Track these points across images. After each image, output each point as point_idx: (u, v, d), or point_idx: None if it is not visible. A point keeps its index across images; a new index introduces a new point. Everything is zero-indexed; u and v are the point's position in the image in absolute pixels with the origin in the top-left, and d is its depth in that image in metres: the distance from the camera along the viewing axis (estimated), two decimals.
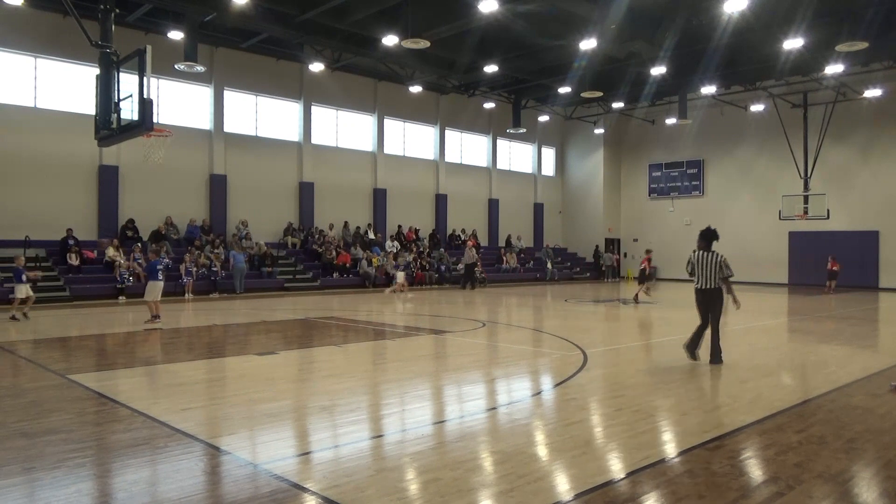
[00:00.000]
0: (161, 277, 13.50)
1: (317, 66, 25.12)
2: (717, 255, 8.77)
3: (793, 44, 20.47)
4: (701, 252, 8.81)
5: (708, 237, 8.80)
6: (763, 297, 22.85)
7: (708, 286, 8.78)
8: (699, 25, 21.03)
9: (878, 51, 22.81)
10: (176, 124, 21.91)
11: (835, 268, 25.19)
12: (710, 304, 8.81)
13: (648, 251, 20.92)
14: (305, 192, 26.71)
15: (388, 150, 29.63)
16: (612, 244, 36.07)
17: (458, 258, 28.32)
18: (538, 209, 36.34)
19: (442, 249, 29.40)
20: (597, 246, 35.23)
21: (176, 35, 20.47)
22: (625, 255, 36.08)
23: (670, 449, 5.36)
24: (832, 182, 28.36)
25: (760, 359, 9.71)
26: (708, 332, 8.94)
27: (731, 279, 8.85)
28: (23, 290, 14.10)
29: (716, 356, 8.82)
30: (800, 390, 7.94)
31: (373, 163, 29.08)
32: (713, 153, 32.80)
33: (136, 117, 10.40)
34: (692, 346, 8.99)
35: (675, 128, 32.45)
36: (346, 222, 27.65)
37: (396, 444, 5.45)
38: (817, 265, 25.60)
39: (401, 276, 23.26)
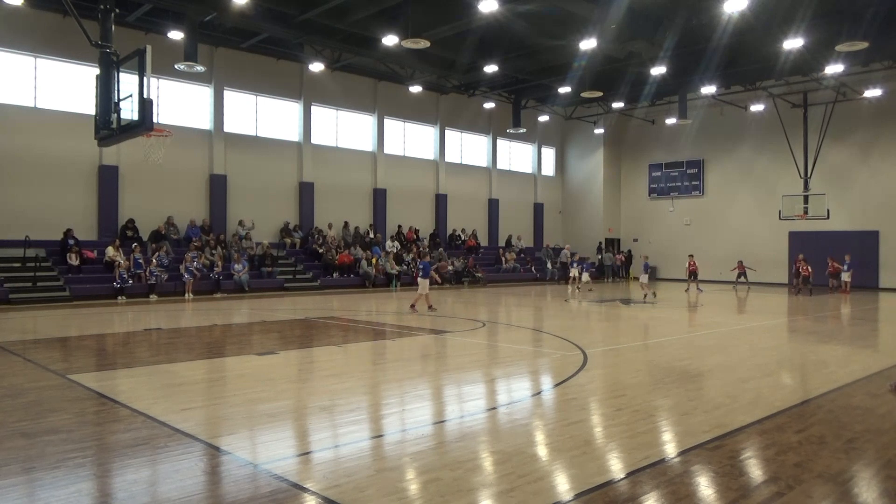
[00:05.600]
0: (428, 276, 16.32)
1: (317, 66, 25.11)
2: None
3: (793, 44, 20.46)
4: None
5: None
6: (763, 297, 22.85)
7: None
8: (699, 25, 21.02)
9: (878, 51, 22.79)
10: (176, 124, 21.91)
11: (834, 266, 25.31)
12: None
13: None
14: (305, 192, 26.71)
15: (388, 150, 29.63)
16: (613, 244, 36.04)
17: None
18: (538, 209, 36.33)
19: (441, 249, 29.41)
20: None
21: (176, 35, 20.46)
22: (619, 254, 36.00)
23: (670, 449, 5.36)
24: (832, 182, 28.34)
25: (760, 359, 9.71)
26: None
27: None
28: (425, 286, 16.12)
29: None
30: (800, 390, 7.95)
31: (373, 163, 29.08)
32: (713, 153, 32.79)
33: (136, 117, 10.41)
34: None
35: (675, 128, 32.44)
36: (346, 222, 27.65)
37: (396, 444, 5.45)
38: (818, 265, 25.63)
39: (586, 276, 25.67)
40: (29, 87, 20.50)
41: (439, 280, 16.58)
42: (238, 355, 10.00)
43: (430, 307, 16.33)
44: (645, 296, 21.13)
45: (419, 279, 16.51)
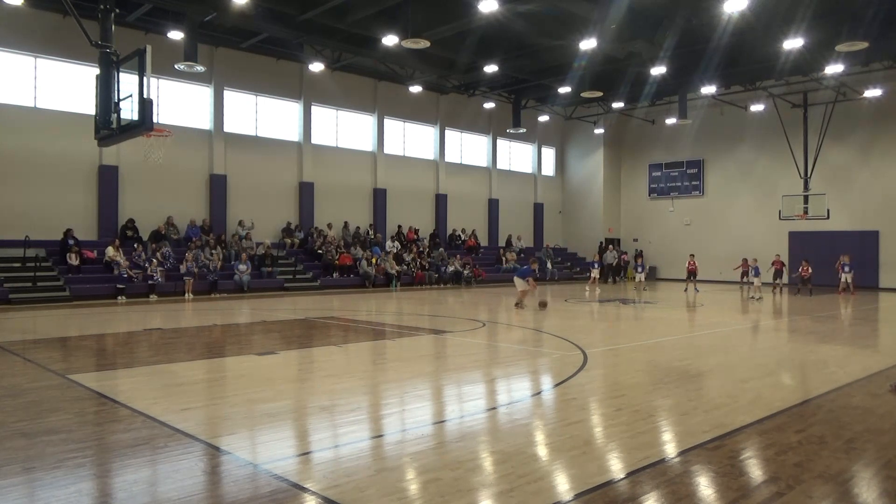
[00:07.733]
0: (524, 277, 17.42)
1: (317, 66, 25.11)
2: None
3: (793, 44, 20.46)
4: None
5: None
6: (763, 297, 22.82)
7: None
8: (699, 25, 21.02)
9: (878, 51, 22.79)
10: (176, 124, 21.91)
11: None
12: None
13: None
14: (305, 192, 26.71)
15: (388, 150, 29.63)
16: (612, 244, 36.00)
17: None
18: (538, 209, 36.33)
19: (442, 249, 29.41)
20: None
21: (176, 35, 20.46)
22: (624, 254, 35.99)
23: (670, 449, 5.36)
24: (832, 182, 28.34)
25: (760, 359, 9.71)
26: None
27: None
28: (521, 284, 17.14)
29: None
30: (800, 390, 7.94)
31: (373, 163, 29.08)
32: (713, 153, 32.79)
33: (136, 117, 10.39)
34: None
35: (675, 128, 32.44)
36: (346, 222, 27.65)
37: (396, 444, 5.45)
38: (817, 265, 25.62)
39: (640, 276, 26.74)
40: (29, 87, 20.50)
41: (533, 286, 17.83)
42: (238, 355, 10.00)
43: (517, 304, 17.31)
44: (752, 297, 21.48)
45: (516, 278, 17.77)
